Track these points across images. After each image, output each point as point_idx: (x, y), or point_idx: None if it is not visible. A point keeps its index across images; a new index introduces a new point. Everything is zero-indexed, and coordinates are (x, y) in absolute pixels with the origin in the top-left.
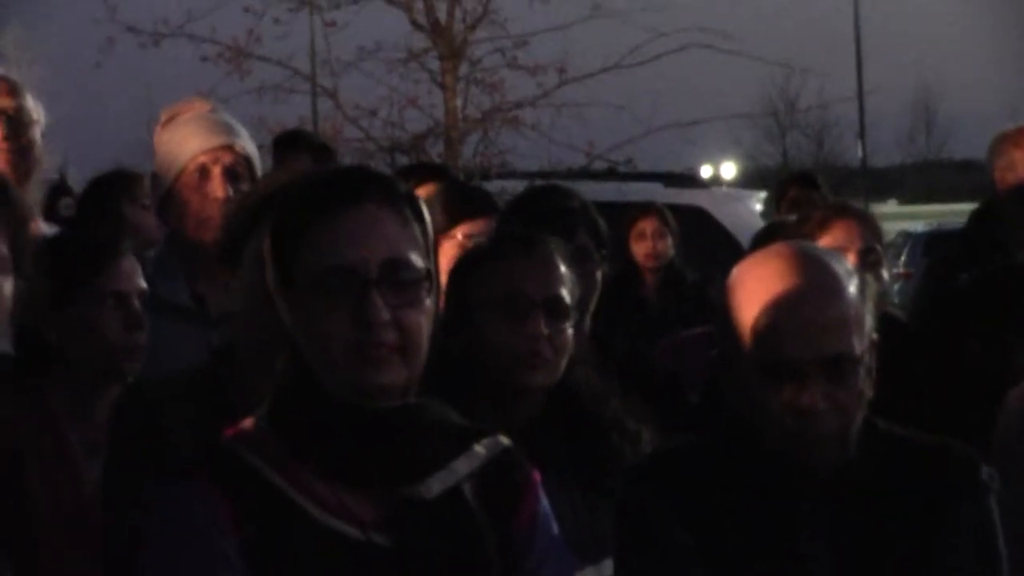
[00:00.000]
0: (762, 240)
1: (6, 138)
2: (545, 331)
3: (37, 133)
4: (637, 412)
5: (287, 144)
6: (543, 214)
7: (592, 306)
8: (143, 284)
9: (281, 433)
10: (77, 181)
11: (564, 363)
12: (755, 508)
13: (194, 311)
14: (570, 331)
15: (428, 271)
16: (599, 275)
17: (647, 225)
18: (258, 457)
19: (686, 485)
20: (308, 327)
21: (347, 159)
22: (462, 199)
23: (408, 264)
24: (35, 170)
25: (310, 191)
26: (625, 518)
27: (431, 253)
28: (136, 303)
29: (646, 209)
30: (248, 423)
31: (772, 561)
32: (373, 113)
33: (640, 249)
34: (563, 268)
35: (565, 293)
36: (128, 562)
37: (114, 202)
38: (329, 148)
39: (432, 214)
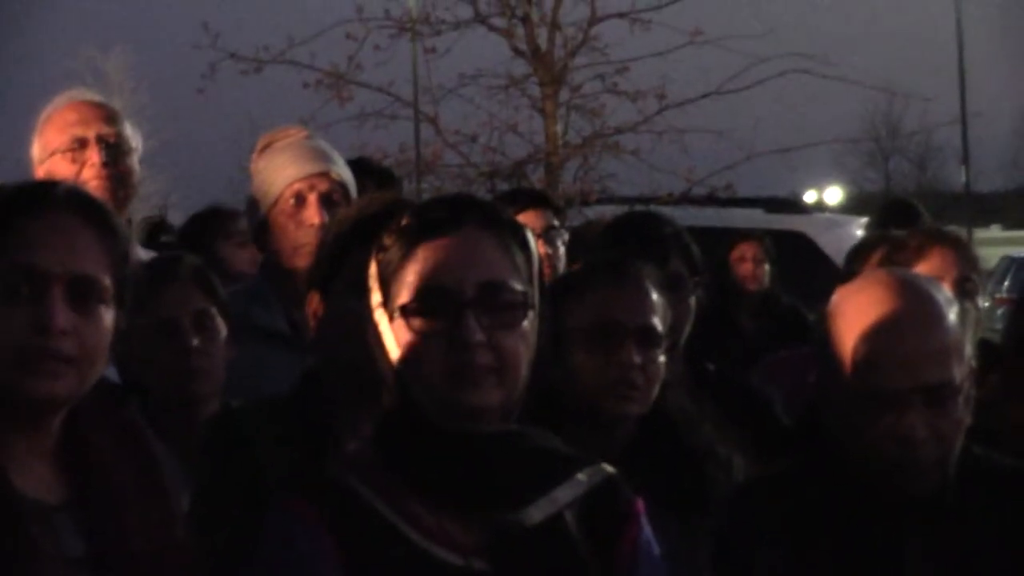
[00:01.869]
0: (857, 254)
1: (105, 165)
2: (637, 360)
3: (135, 160)
4: (729, 438)
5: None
6: (637, 240)
7: (686, 332)
8: (200, 305)
9: (386, 459)
10: (178, 207)
11: (656, 391)
12: (854, 537)
13: (290, 337)
14: (662, 359)
15: (526, 295)
16: (693, 301)
17: (748, 249)
18: (361, 483)
19: (784, 514)
20: (408, 350)
21: (447, 185)
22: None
23: (506, 287)
24: (132, 197)
25: (416, 217)
26: (723, 547)
27: (535, 281)
28: (186, 327)
29: (747, 234)
30: (351, 448)
31: None
32: (473, 139)
33: (740, 272)
34: (655, 295)
35: (657, 321)
36: None
37: (209, 239)
38: (392, 174)
39: None
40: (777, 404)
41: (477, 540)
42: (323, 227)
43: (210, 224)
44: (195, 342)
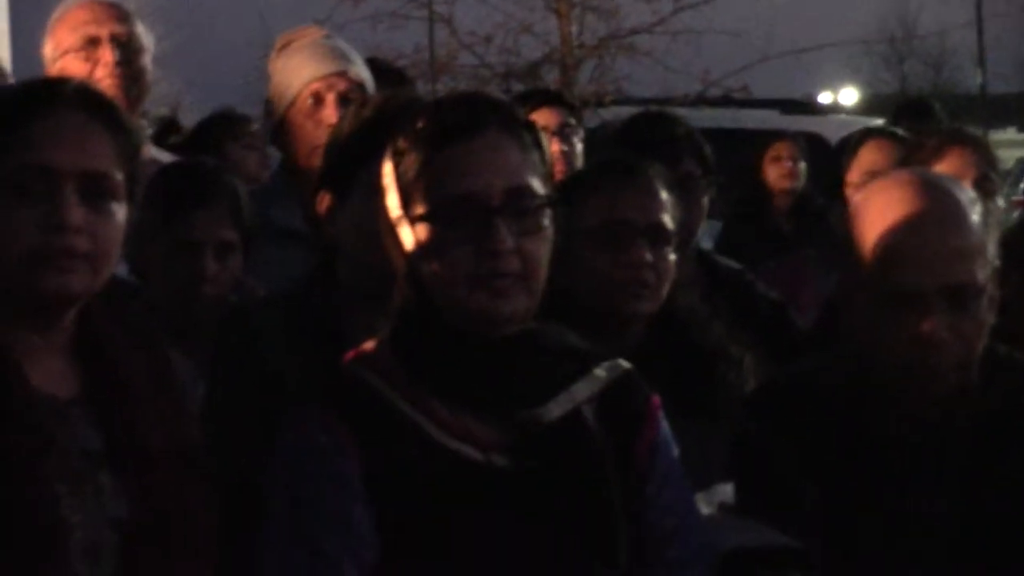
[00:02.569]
0: (853, 143)
1: (118, 64)
2: (648, 258)
3: (147, 60)
4: (740, 337)
5: None
6: (648, 141)
7: (698, 231)
8: (227, 236)
9: (403, 358)
10: (191, 109)
11: (667, 289)
12: (875, 439)
13: (308, 235)
14: (672, 257)
15: (549, 197)
16: (705, 201)
17: (783, 149)
18: (380, 380)
19: (805, 415)
20: (430, 255)
21: (462, 85)
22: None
23: (531, 191)
24: (144, 97)
25: (432, 119)
26: (742, 448)
27: (550, 179)
28: (208, 254)
29: (781, 135)
30: (369, 347)
31: (890, 498)
32: (488, 40)
33: (776, 171)
34: (664, 194)
35: (667, 219)
36: (247, 486)
37: (218, 141)
38: (404, 75)
39: None
40: (791, 307)
41: (496, 437)
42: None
43: (220, 126)
44: (212, 271)
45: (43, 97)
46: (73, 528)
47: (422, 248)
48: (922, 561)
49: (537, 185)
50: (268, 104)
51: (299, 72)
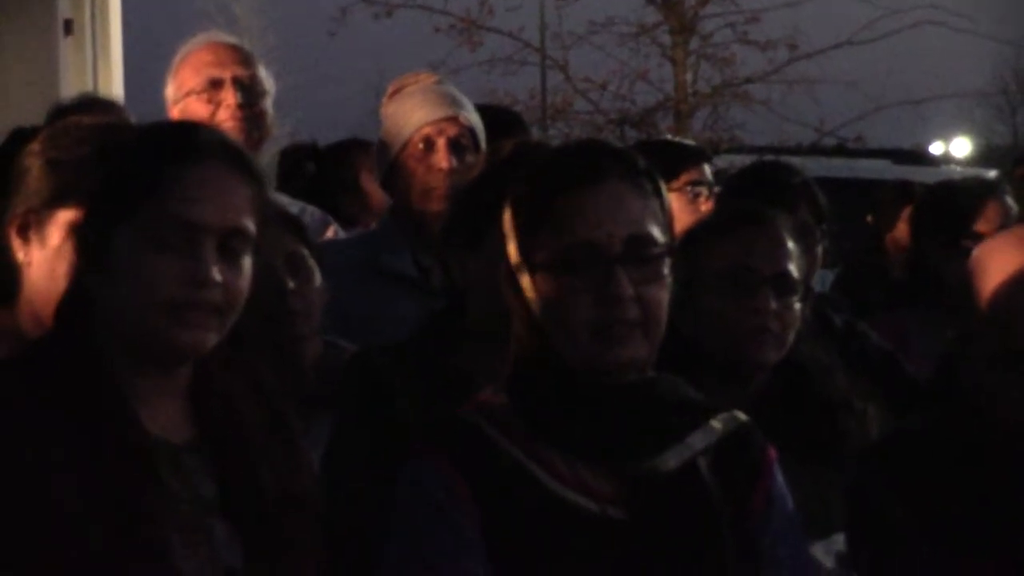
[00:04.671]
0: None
1: (240, 107)
2: (773, 306)
3: (269, 103)
4: (862, 389)
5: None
6: (765, 189)
7: (812, 281)
8: (292, 247)
9: (520, 407)
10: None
11: (791, 338)
12: (992, 499)
13: (418, 281)
14: (798, 306)
15: (669, 246)
16: (820, 251)
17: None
18: (497, 430)
19: (923, 471)
20: (549, 303)
21: (576, 131)
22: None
23: (651, 239)
24: (265, 139)
25: (553, 167)
26: (859, 501)
27: (670, 228)
28: (281, 270)
29: (895, 185)
30: (486, 396)
31: (1005, 550)
32: (603, 87)
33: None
34: (790, 243)
35: (793, 268)
36: (365, 538)
37: (353, 170)
38: (519, 118)
39: None
40: (904, 360)
41: (612, 488)
42: (452, 172)
43: (354, 154)
44: (291, 284)
45: (186, 143)
46: None
47: (542, 296)
48: None
49: (657, 233)
50: (380, 147)
51: (411, 116)
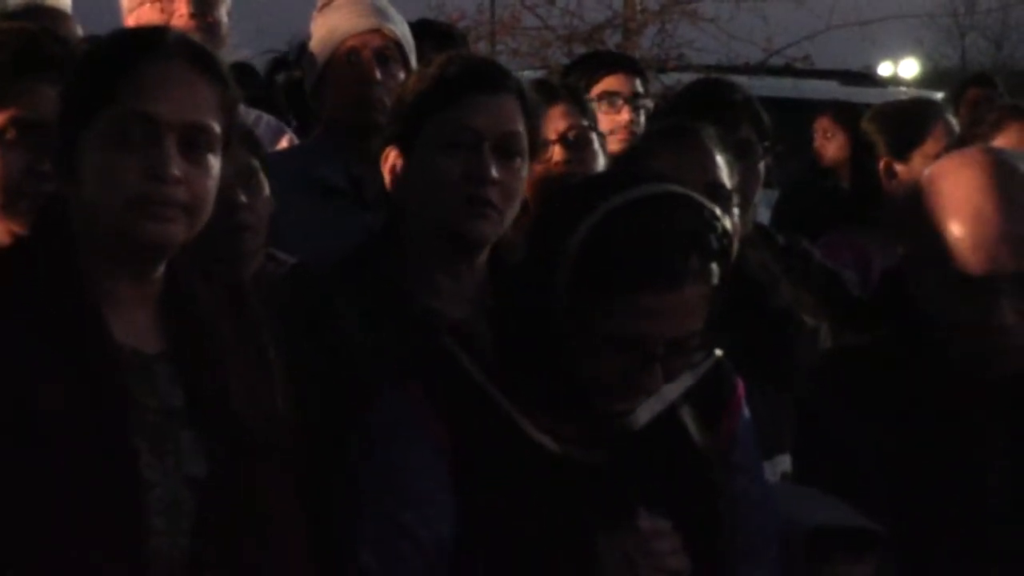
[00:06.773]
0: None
1: (192, 16)
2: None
3: (223, 12)
4: (811, 306)
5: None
6: (706, 107)
7: (755, 197)
8: (245, 160)
9: (496, 339)
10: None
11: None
12: (944, 413)
13: (349, 192)
14: (736, 213)
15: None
16: (762, 167)
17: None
18: (468, 358)
19: (874, 386)
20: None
21: (524, 47)
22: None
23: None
24: (220, 49)
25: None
26: (809, 417)
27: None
28: (233, 183)
29: (841, 106)
30: (456, 318)
31: (950, 467)
32: (551, 2)
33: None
34: (719, 155)
35: (723, 177)
36: (334, 461)
37: None
38: (453, 34)
39: None
40: (846, 277)
41: (577, 430)
42: (377, 83)
43: None
44: (242, 198)
45: (149, 45)
46: (152, 484)
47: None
48: (986, 533)
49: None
50: (309, 60)
51: (336, 30)
